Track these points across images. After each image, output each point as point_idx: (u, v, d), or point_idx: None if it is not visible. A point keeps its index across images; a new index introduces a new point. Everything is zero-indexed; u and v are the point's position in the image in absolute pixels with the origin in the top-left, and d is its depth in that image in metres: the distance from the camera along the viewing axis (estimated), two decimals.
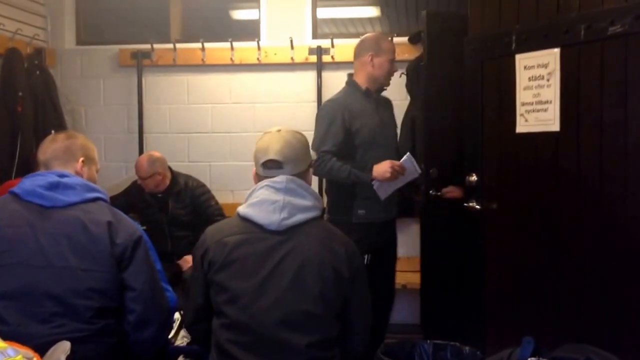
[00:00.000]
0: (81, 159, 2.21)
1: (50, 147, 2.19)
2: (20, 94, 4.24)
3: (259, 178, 2.12)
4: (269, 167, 2.07)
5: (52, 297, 1.92)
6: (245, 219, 2.04)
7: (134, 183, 4.35)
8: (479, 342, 2.62)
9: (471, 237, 3.26)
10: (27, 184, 2.08)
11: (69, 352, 1.73)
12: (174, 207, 4.15)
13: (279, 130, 2.15)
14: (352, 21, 5.13)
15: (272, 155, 2.07)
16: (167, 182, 4.19)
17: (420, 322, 3.86)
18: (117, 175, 4.76)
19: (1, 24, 4.22)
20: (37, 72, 4.44)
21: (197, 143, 4.75)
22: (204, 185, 4.31)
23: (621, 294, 2.48)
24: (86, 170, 2.23)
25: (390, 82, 3.44)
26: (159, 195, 4.18)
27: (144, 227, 4.07)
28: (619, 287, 2.49)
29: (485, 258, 3.14)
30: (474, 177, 3.20)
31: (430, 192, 3.67)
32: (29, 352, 1.66)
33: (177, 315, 2.56)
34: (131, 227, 2.11)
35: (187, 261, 3.94)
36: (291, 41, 4.52)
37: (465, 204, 3.25)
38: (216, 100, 4.76)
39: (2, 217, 2.00)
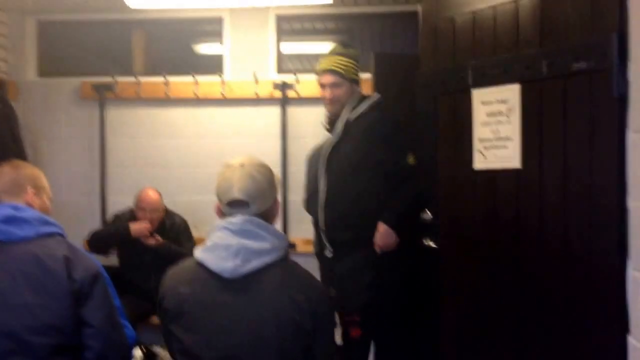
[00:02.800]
0: (31, 190, 2.16)
1: None
2: None
3: (222, 215, 1.98)
4: (233, 206, 1.92)
5: (8, 335, 1.88)
6: (200, 265, 1.90)
7: (118, 217, 4.29)
8: None
9: (420, 275, 3.25)
10: None
11: None
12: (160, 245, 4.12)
13: (242, 165, 1.97)
14: (317, 57, 5.19)
15: (236, 195, 1.92)
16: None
17: None
18: (78, 209, 4.69)
19: None
20: None
21: (161, 177, 4.71)
22: (186, 223, 4.33)
23: (587, 332, 2.42)
24: (37, 200, 2.17)
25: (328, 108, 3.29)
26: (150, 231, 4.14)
27: (124, 262, 4.07)
28: (583, 325, 2.44)
29: (441, 296, 3.09)
30: (428, 215, 3.19)
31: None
32: None
33: (137, 353, 2.52)
34: (89, 262, 2.08)
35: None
36: (255, 76, 4.55)
37: (422, 241, 3.23)
38: (181, 134, 4.75)
39: None
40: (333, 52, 3.18)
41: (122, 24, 4.92)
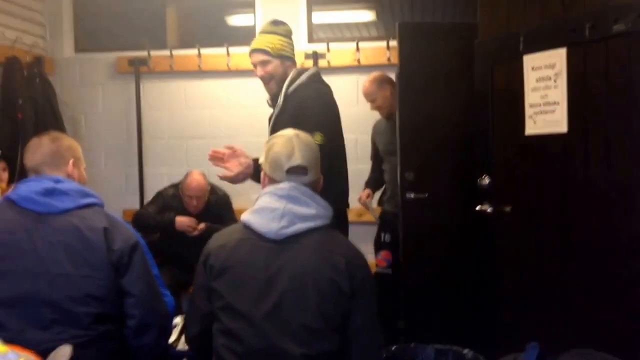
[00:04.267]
0: (71, 160, 2.20)
1: (38, 151, 2.16)
2: (20, 101, 4.29)
3: (271, 182, 2.05)
4: (292, 172, 2.00)
5: (51, 304, 1.93)
6: (246, 226, 2.00)
7: (161, 195, 4.35)
8: (481, 347, 2.53)
9: (467, 240, 3.27)
10: (23, 189, 2.08)
11: (70, 356, 1.74)
12: (200, 220, 4.19)
13: (297, 135, 2.07)
14: (348, 26, 5.16)
15: (299, 161, 2.00)
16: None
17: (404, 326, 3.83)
18: (116, 181, 4.80)
19: (1, 33, 4.26)
20: (37, 80, 4.49)
21: (195, 148, 4.78)
22: (229, 199, 4.39)
23: (635, 297, 2.40)
24: (76, 171, 2.21)
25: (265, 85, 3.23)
26: (195, 213, 4.21)
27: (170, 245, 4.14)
28: (632, 290, 2.42)
29: (498, 262, 3.09)
30: (486, 180, 3.18)
31: (407, 195, 3.72)
32: (30, 356, 1.68)
33: (178, 320, 2.57)
34: (127, 232, 2.12)
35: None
36: None
37: (477, 208, 3.20)
38: (214, 105, 4.80)
39: (0, 226, 2.02)
40: (261, 32, 3.20)
41: None
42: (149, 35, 4.98)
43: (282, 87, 3.07)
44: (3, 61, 4.30)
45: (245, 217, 2.01)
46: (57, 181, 2.09)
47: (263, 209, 1.97)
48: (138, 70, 4.77)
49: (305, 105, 2.95)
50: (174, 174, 4.46)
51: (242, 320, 1.88)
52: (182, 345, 2.57)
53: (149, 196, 4.59)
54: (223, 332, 1.92)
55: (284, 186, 1.98)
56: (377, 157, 4.32)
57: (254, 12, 4.77)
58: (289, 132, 2.11)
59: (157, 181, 4.63)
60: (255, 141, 4.64)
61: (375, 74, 4.16)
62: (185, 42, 4.93)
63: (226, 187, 4.41)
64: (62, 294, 1.95)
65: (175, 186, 4.33)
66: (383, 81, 4.10)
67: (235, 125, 4.77)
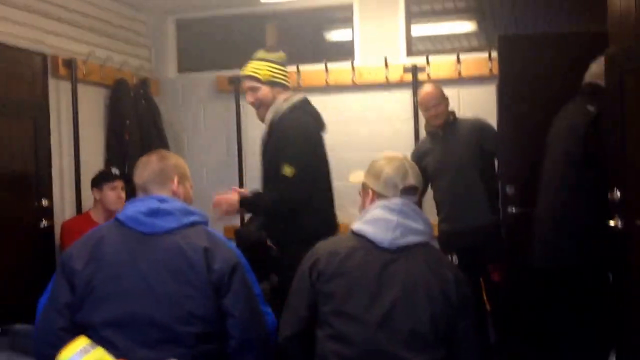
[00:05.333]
0: (176, 178, 2.22)
1: (146, 170, 2.20)
2: (127, 122, 4.47)
3: (378, 198, 2.17)
4: (406, 192, 2.15)
5: (156, 324, 1.95)
6: (358, 235, 2.10)
7: None
8: None
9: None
10: (129, 209, 2.11)
11: None
12: None
13: (405, 157, 2.30)
14: (448, 37, 5.04)
15: (412, 182, 2.17)
16: None
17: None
18: None
19: (110, 56, 4.46)
20: (143, 101, 4.66)
21: None
22: None
23: None
24: (181, 189, 2.23)
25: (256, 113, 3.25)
26: None
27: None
28: None
29: (629, 281, 2.85)
30: (617, 194, 2.94)
31: (508, 209, 3.62)
32: None
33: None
34: (228, 252, 2.11)
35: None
36: (385, 60, 4.50)
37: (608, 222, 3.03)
38: None
39: (108, 245, 2.05)
40: (253, 58, 3.22)
41: (255, 17, 5.05)
42: (249, 54, 5.05)
43: (270, 114, 3.13)
44: (112, 84, 4.49)
45: (357, 226, 2.12)
46: (162, 201, 2.11)
47: (377, 220, 2.08)
48: (238, 88, 4.85)
49: (283, 137, 3.02)
50: None
51: (354, 325, 1.94)
52: None
53: (248, 213, 4.63)
54: (333, 337, 1.97)
55: (397, 201, 2.11)
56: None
57: (352, 28, 4.75)
58: (396, 154, 2.28)
59: None
60: (351, 157, 4.63)
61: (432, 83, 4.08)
62: (285, 59, 4.96)
63: None
64: (166, 314, 1.96)
65: None
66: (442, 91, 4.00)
67: (334, 141, 4.69)
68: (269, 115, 3.12)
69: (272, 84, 3.12)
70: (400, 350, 1.90)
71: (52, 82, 4.00)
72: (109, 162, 4.41)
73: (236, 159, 4.91)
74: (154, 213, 2.08)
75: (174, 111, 5.01)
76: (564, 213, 3.17)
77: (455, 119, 3.92)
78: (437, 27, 4.96)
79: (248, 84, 3.16)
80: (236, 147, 4.90)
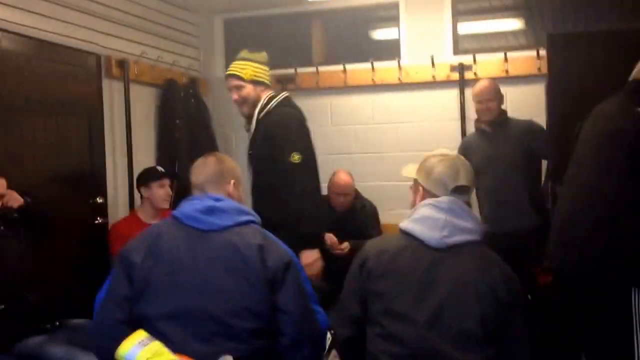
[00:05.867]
0: (232, 181, 2.30)
1: (204, 171, 2.28)
2: (177, 121, 4.55)
3: (429, 196, 2.14)
4: (458, 191, 2.12)
5: (212, 318, 2.00)
6: (406, 234, 2.09)
7: None
8: None
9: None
10: (187, 208, 2.18)
11: None
12: (347, 226, 4.21)
13: (458, 156, 2.26)
14: (495, 35, 4.99)
15: (464, 182, 2.13)
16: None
17: None
18: None
19: (160, 57, 4.55)
20: (192, 101, 4.74)
21: (341, 164, 4.80)
22: (375, 210, 4.38)
23: None
24: (236, 191, 2.30)
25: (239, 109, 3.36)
26: (340, 213, 4.26)
27: None
28: None
29: None
30: None
31: None
32: None
33: (327, 335, 2.57)
34: (281, 250, 2.16)
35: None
36: (432, 59, 4.48)
37: None
38: (359, 121, 4.83)
39: (166, 241, 2.12)
40: (237, 58, 3.35)
41: (301, 16, 5.09)
42: (295, 52, 5.12)
43: (254, 111, 3.25)
44: (162, 83, 4.59)
45: (405, 225, 2.11)
46: (217, 200, 2.18)
47: (425, 218, 2.07)
48: (285, 87, 4.89)
49: (275, 131, 3.14)
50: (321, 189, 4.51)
51: (403, 323, 1.94)
52: (333, 359, 2.58)
53: None
54: (383, 337, 1.97)
55: (445, 199, 2.08)
56: None
57: (398, 26, 4.75)
58: (449, 152, 2.25)
59: None
60: (397, 156, 4.65)
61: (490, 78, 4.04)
62: (331, 59, 5.00)
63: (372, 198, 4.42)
64: (222, 308, 2.01)
65: (322, 195, 4.37)
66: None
67: (381, 140, 4.77)
68: (255, 112, 3.26)
69: (255, 82, 3.26)
70: (450, 349, 1.89)
71: (105, 82, 4.11)
72: (159, 160, 4.51)
73: None
74: (210, 211, 2.14)
75: (222, 110, 5.08)
76: (599, 225, 2.94)
77: (506, 118, 3.88)
78: (484, 24, 4.91)
79: (233, 82, 3.28)
80: None
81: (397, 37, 4.78)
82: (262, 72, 3.32)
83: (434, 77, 4.54)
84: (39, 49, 3.60)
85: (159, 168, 4.01)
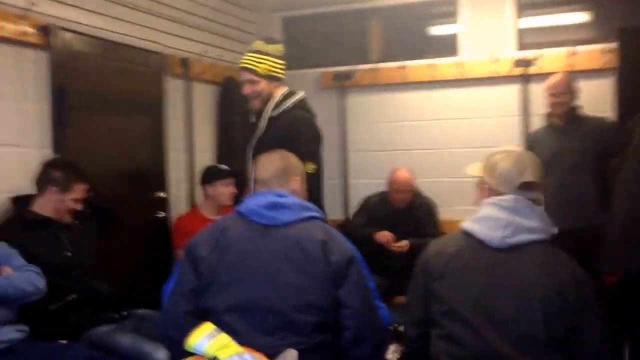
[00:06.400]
0: (296, 178, 2.32)
1: (269, 167, 2.30)
2: (235, 119, 4.61)
3: (494, 194, 2.07)
4: (524, 188, 2.04)
5: (275, 311, 2.02)
6: (467, 234, 2.04)
7: (369, 199, 4.43)
8: None
9: None
10: (250, 203, 2.21)
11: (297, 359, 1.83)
12: (405, 222, 4.21)
13: (526, 152, 2.20)
14: (559, 29, 4.86)
15: (530, 177, 2.05)
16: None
17: None
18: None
19: (220, 55, 4.62)
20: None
21: (399, 160, 4.79)
22: (434, 208, 4.34)
23: None
24: (299, 188, 2.32)
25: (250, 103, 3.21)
26: (399, 210, 4.25)
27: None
28: None
29: None
30: None
31: None
32: (263, 358, 1.78)
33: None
34: (344, 246, 2.16)
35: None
36: (493, 54, 4.41)
37: None
38: (417, 117, 4.79)
39: (231, 235, 2.15)
40: (251, 50, 3.18)
41: (358, 13, 5.09)
42: (354, 50, 5.12)
43: (266, 106, 3.12)
44: (221, 81, 4.66)
45: (466, 225, 2.07)
46: (281, 196, 2.20)
47: (486, 218, 2.01)
48: (343, 84, 4.91)
49: (292, 135, 2.98)
50: (378, 185, 4.51)
51: (464, 325, 1.91)
52: (391, 355, 2.57)
53: (353, 207, 4.69)
54: (444, 338, 1.96)
55: (508, 198, 2.01)
56: None
57: (458, 21, 4.70)
58: (515, 148, 2.21)
59: (361, 192, 4.71)
60: (460, 152, 4.59)
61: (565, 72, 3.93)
62: (388, 55, 4.98)
63: (430, 194, 4.38)
64: (286, 302, 2.03)
65: (382, 192, 4.37)
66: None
67: (440, 137, 4.73)
68: (267, 108, 3.14)
69: (270, 78, 3.16)
70: (512, 352, 1.84)
71: (168, 81, 4.20)
72: (219, 157, 4.58)
73: (341, 154, 4.97)
74: (274, 207, 2.16)
75: None
76: None
77: (578, 114, 3.79)
78: (548, 18, 4.79)
79: (247, 76, 3.16)
80: (341, 142, 4.96)
81: (456, 32, 4.72)
82: (278, 66, 3.22)
83: (494, 72, 4.47)
84: (107, 49, 3.70)
85: (223, 167, 4.07)
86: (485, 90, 4.57)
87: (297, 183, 2.31)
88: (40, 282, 2.64)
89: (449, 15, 4.79)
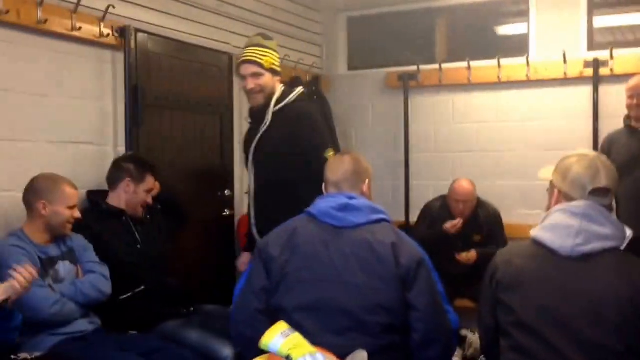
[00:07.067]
0: (367, 180, 2.33)
1: (341, 168, 2.32)
2: None
3: (564, 199, 2.03)
4: (596, 194, 1.97)
5: (345, 312, 2.04)
6: (537, 242, 1.99)
7: (431, 211, 4.37)
8: None
9: None
10: (321, 205, 2.24)
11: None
12: (470, 233, 4.17)
13: (599, 156, 2.07)
14: (633, 28, 4.72)
15: (604, 183, 1.97)
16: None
17: None
18: (383, 193, 4.92)
19: (287, 55, 4.67)
20: (315, 98, 4.81)
21: (461, 161, 4.76)
22: (499, 215, 4.27)
23: None
24: (368, 191, 2.34)
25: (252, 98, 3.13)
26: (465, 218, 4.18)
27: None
28: None
29: None
30: None
31: None
32: (334, 358, 1.80)
33: None
34: (414, 249, 2.18)
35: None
36: (564, 55, 4.32)
37: None
38: (482, 118, 4.73)
39: (301, 236, 2.19)
40: (252, 44, 3.11)
41: (425, 13, 5.06)
42: (419, 50, 5.09)
43: (269, 101, 3.05)
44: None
45: (535, 233, 2.01)
46: (351, 198, 2.23)
47: (556, 226, 1.95)
48: (407, 84, 4.89)
49: (301, 126, 3.00)
50: (440, 186, 4.48)
51: (534, 336, 1.88)
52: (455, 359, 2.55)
53: (414, 208, 4.67)
54: (514, 349, 1.92)
55: (580, 204, 1.95)
56: None
57: (528, 21, 4.61)
58: (589, 152, 2.13)
59: (423, 193, 4.69)
60: (523, 155, 4.52)
61: None
62: (454, 56, 4.93)
63: (496, 202, 4.32)
64: (355, 303, 2.05)
65: (442, 197, 4.33)
66: None
67: (505, 139, 4.66)
68: (269, 103, 3.08)
69: (273, 71, 3.11)
70: None
71: (236, 81, 4.26)
72: None
73: (403, 154, 4.95)
74: (344, 208, 2.19)
75: (343, 107, 5.14)
76: None
77: None
78: (622, 17, 4.65)
79: (251, 69, 3.07)
80: (402, 143, 4.95)
81: (525, 32, 4.64)
82: (277, 60, 3.17)
83: (565, 73, 4.36)
84: (179, 50, 3.80)
85: None
86: (555, 91, 4.47)
87: (367, 186, 2.33)
88: (106, 287, 2.74)
89: (519, 15, 4.71)
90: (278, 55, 3.17)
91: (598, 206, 1.95)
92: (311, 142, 3.00)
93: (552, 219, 1.98)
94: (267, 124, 3.07)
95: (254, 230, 3.13)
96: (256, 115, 3.14)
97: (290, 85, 3.22)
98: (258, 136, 3.10)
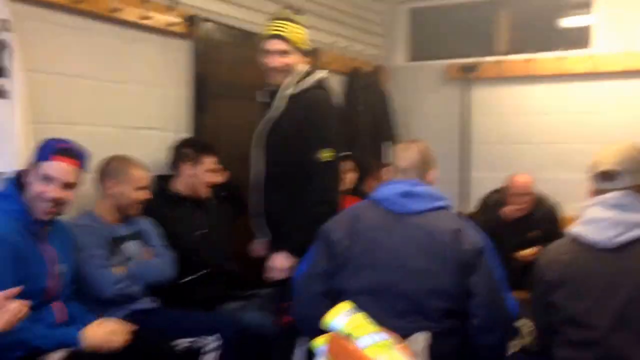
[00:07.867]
0: (433, 170, 2.37)
1: (408, 156, 2.35)
2: (360, 108, 4.68)
3: (594, 193, 2.06)
4: (601, 179, 2.02)
5: (406, 296, 2.09)
6: (577, 238, 2.02)
7: (487, 204, 4.33)
8: None
9: None
10: (384, 191, 2.29)
11: (427, 343, 1.91)
12: (524, 229, 4.09)
13: (633, 144, 2.08)
14: None
15: (604, 167, 2.02)
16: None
17: None
18: (443, 184, 4.84)
19: (349, 45, 4.72)
20: (374, 88, 4.85)
21: (521, 154, 4.71)
22: (557, 210, 4.20)
23: None
24: (432, 179, 2.38)
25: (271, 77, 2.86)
26: (517, 216, 4.13)
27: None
28: None
29: None
30: None
31: None
32: (397, 339, 1.84)
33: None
34: (476, 235, 2.20)
35: None
36: (628, 47, 4.22)
37: None
38: (543, 111, 4.68)
39: (363, 221, 2.24)
40: (282, 17, 2.80)
41: (486, 4, 5.02)
42: (480, 42, 5.05)
43: (285, 82, 2.79)
44: (347, 71, 4.74)
45: (575, 229, 2.04)
46: (414, 185, 2.26)
47: (593, 220, 1.99)
48: (467, 76, 4.86)
49: (313, 118, 2.74)
50: (499, 179, 4.43)
51: (586, 331, 1.90)
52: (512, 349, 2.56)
53: (473, 200, 4.65)
54: (567, 344, 1.94)
55: (612, 196, 1.99)
56: None
57: (593, 12, 4.53)
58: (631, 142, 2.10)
59: (482, 186, 4.66)
60: (584, 148, 4.42)
61: None
62: (515, 48, 4.88)
63: (556, 195, 4.26)
64: (416, 287, 2.09)
65: (498, 191, 4.29)
66: None
67: (564, 132, 4.60)
68: (288, 85, 2.80)
69: (301, 51, 2.82)
70: (639, 353, 1.82)
71: None
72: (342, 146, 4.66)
73: (463, 146, 4.95)
74: (408, 195, 2.23)
75: (403, 98, 5.16)
76: None
77: None
78: None
79: (278, 45, 2.77)
80: (463, 134, 4.93)
81: (588, 24, 4.55)
82: (306, 40, 2.86)
83: (629, 66, 4.27)
84: (244, 39, 3.84)
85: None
86: (618, 84, 4.39)
87: (432, 175, 2.36)
88: (171, 271, 2.82)
89: (582, 6, 4.62)
90: (306, 34, 2.87)
91: (632, 193, 1.97)
92: (309, 136, 2.77)
93: (587, 214, 2.02)
94: (280, 109, 2.83)
95: (260, 224, 3.00)
96: (273, 93, 2.87)
97: (311, 70, 2.91)
98: (272, 122, 2.86)
